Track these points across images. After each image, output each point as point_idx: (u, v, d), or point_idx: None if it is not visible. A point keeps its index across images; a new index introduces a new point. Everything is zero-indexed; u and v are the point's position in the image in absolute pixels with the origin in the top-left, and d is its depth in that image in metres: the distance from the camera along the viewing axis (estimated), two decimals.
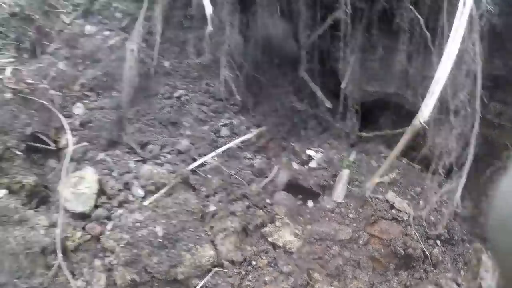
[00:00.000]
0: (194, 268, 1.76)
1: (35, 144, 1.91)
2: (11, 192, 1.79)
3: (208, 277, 1.76)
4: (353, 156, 2.05)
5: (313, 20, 2.18)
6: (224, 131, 2.14)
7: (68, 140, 1.91)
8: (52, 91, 2.01)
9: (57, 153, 1.98)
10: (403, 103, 2.18)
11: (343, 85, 2.13)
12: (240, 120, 2.20)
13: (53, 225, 1.73)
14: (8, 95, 1.88)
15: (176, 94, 2.20)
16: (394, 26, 2.01)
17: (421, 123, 1.54)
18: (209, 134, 2.12)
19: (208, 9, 1.99)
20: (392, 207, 1.85)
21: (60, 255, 1.66)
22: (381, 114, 2.24)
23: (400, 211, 1.83)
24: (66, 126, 1.94)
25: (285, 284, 1.80)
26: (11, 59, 2.06)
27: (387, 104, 2.22)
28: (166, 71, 2.26)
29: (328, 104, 2.19)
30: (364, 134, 2.16)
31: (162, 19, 2.30)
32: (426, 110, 1.56)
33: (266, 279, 1.82)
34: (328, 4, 2.13)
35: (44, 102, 1.93)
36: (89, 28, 2.29)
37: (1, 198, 1.72)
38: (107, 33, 2.28)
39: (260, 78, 2.27)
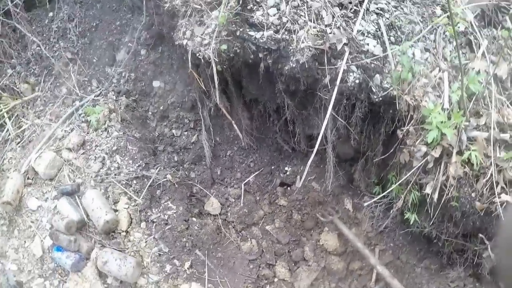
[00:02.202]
0: None
1: None
2: None
3: None
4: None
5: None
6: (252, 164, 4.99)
7: None
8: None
9: None
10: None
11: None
12: (255, 156, 5.02)
13: None
14: None
15: (228, 153, 4.87)
16: None
17: None
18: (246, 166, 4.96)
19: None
20: None
21: None
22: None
23: None
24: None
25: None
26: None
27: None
28: (219, 143, 4.82)
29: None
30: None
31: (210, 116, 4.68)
32: None
33: None
34: None
35: None
36: (175, 132, 4.62)
37: None
38: (186, 133, 4.64)
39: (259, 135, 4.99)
